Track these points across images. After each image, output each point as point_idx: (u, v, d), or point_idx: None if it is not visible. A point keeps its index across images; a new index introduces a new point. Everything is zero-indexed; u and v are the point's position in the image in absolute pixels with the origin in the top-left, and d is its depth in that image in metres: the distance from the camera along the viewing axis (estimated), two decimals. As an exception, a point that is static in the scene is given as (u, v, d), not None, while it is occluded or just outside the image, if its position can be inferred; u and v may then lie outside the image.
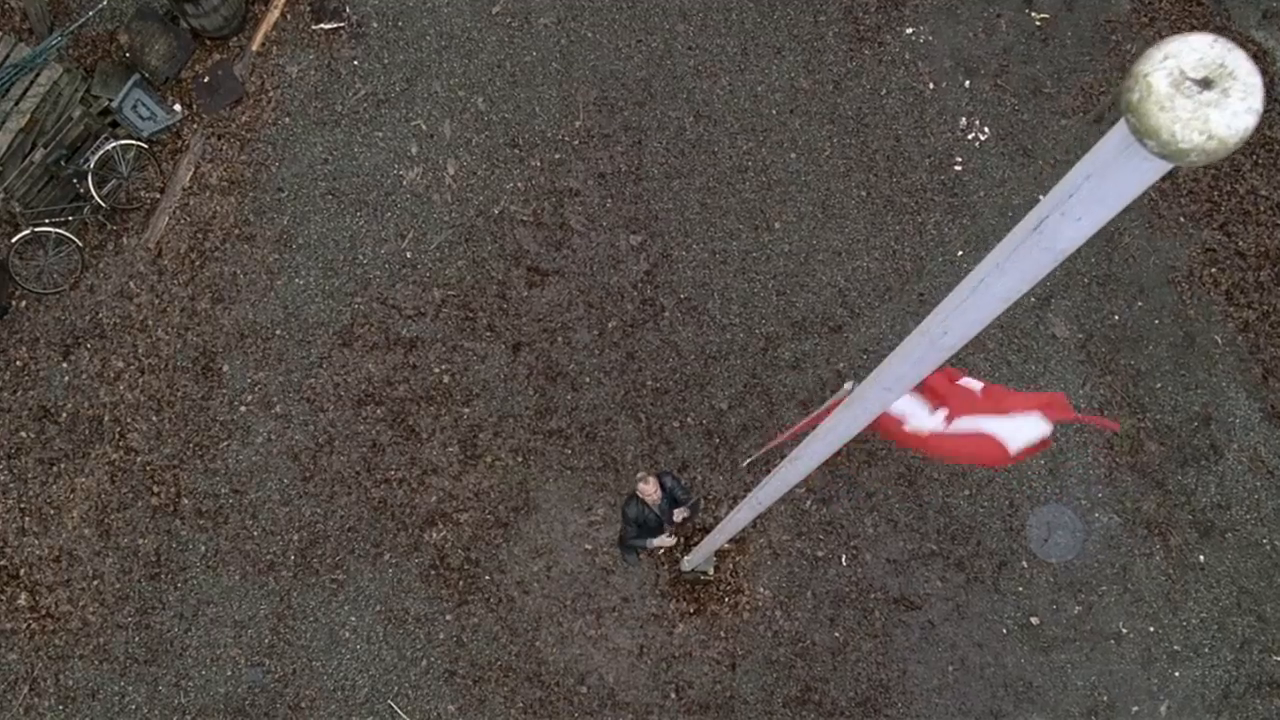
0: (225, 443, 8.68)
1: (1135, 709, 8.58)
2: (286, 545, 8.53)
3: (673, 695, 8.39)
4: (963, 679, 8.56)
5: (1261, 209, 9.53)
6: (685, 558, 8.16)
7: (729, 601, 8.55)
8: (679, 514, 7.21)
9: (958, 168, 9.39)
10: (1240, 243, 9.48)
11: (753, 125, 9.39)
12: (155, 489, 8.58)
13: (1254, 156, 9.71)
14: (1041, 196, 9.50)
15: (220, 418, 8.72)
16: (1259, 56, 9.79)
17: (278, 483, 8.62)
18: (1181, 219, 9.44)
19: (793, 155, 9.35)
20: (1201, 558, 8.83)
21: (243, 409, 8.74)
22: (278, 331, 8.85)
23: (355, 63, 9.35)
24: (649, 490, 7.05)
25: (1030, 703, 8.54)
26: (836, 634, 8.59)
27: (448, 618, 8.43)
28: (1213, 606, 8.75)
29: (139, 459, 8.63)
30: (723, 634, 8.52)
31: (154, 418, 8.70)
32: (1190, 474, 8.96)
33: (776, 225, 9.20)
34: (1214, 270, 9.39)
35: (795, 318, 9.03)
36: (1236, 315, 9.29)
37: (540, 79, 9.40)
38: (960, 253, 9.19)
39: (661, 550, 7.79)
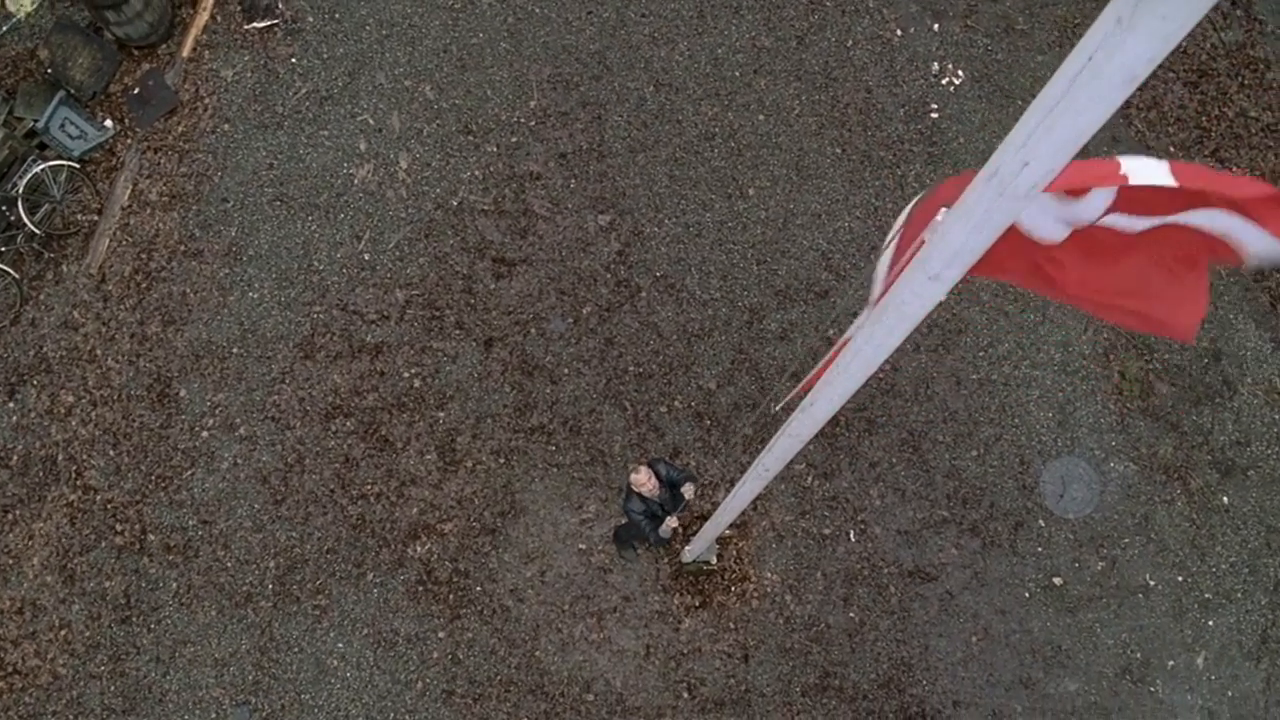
0: (189, 471, 8.18)
1: (1171, 663, 8.16)
2: (263, 574, 8.04)
3: (685, 695, 7.93)
4: (988, 649, 8.13)
5: (1253, 131, 9.13)
6: (686, 548, 7.70)
7: (735, 590, 8.10)
8: (689, 490, 6.74)
9: (934, 115, 8.95)
10: (1234, 168, 9.07)
11: (716, 90, 8.93)
12: (119, 527, 8.08)
13: (1239, 78, 9.31)
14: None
15: (182, 446, 8.22)
16: (1236, -27, 9.38)
17: (248, 509, 8.13)
18: (1171, 148, 9.03)
19: (761, 117, 8.90)
20: (1225, 499, 8.41)
21: (205, 434, 8.24)
22: (235, 349, 8.35)
23: (293, 60, 8.86)
24: (642, 480, 6.59)
25: (1061, 667, 8.11)
26: (851, 614, 8.14)
27: (440, 635, 7.96)
28: (1241, 549, 8.34)
29: (99, 497, 8.12)
30: (732, 625, 8.07)
31: (111, 452, 8.19)
32: (1205, 413, 8.55)
33: (750, 192, 8.75)
34: (1210, 199, 8.97)
35: (778, 286, 8.58)
36: (1238, 243, 8.87)
37: (489, 61, 8.92)
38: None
39: (670, 533, 7.27)
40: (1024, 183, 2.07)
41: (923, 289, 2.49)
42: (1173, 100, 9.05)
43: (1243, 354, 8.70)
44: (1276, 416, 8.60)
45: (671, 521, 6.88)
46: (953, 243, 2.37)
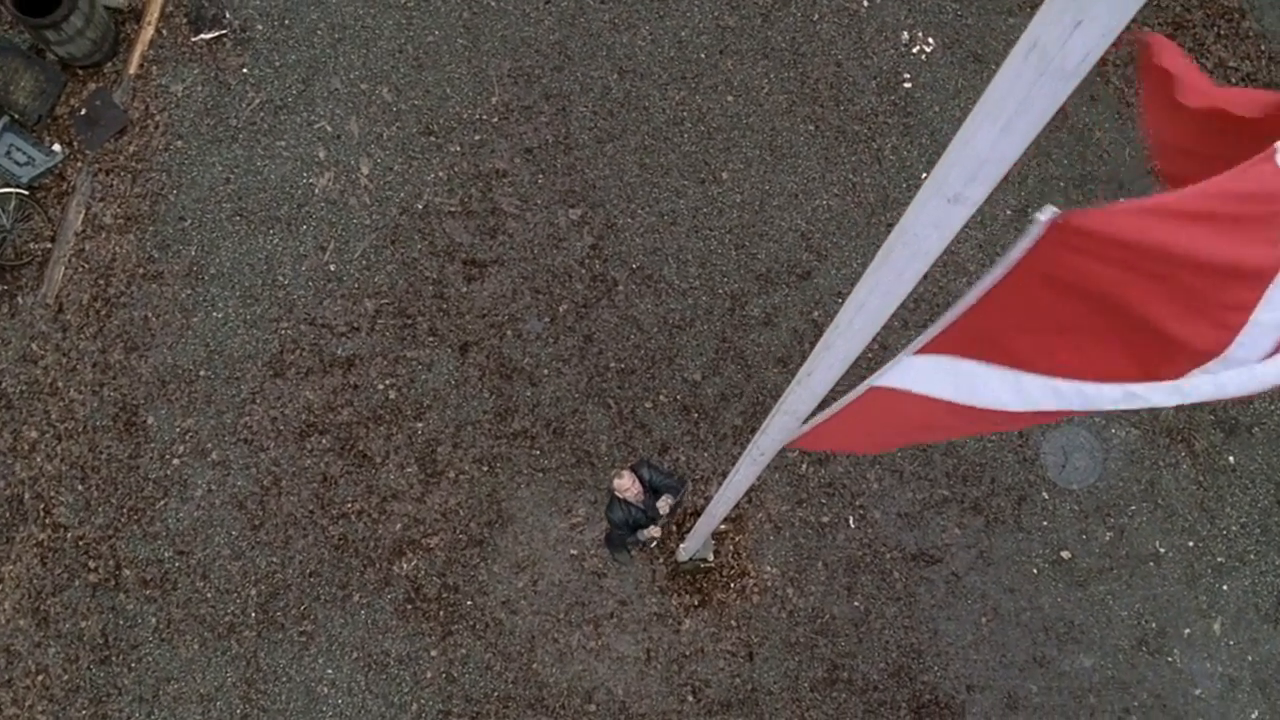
0: (162, 502, 7.88)
1: (1187, 631, 7.92)
2: (245, 602, 7.74)
3: (690, 698, 7.66)
4: (999, 629, 7.88)
5: (1233, 81, 8.90)
6: (681, 546, 7.44)
7: (735, 587, 7.83)
8: (664, 504, 6.48)
9: (907, 85, 8.71)
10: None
11: (682, 73, 8.67)
12: (92, 564, 7.77)
13: (1215, 29, 9.09)
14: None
15: (153, 475, 7.91)
16: (1205, -78, 9.17)
17: (225, 536, 7.83)
18: (1152, 104, 8.80)
19: (730, 99, 8.65)
20: (1231, 459, 8.18)
21: (176, 462, 7.94)
22: (201, 372, 8.06)
23: (245, 71, 8.57)
24: (625, 486, 6.33)
25: (1075, 643, 7.86)
26: (856, 603, 7.89)
27: (433, 653, 7.67)
28: (1251, 509, 8.11)
29: (69, 534, 7.82)
30: (734, 623, 7.80)
31: (79, 487, 7.89)
32: (1205, 372, 8.31)
33: (724, 175, 8.50)
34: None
35: (759, 270, 8.33)
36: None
37: (447, 58, 8.65)
38: (924, 175, 8.50)
39: (653, 542, 7.07)
40: (1074, 52, 1.62)
41: (941, 215, 2.06)
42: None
43: (1239, 309, 8.47)
44: (1277, 371, 8.36)
45: (654, 531, 6.64)
46: (978, 150, 1.87)
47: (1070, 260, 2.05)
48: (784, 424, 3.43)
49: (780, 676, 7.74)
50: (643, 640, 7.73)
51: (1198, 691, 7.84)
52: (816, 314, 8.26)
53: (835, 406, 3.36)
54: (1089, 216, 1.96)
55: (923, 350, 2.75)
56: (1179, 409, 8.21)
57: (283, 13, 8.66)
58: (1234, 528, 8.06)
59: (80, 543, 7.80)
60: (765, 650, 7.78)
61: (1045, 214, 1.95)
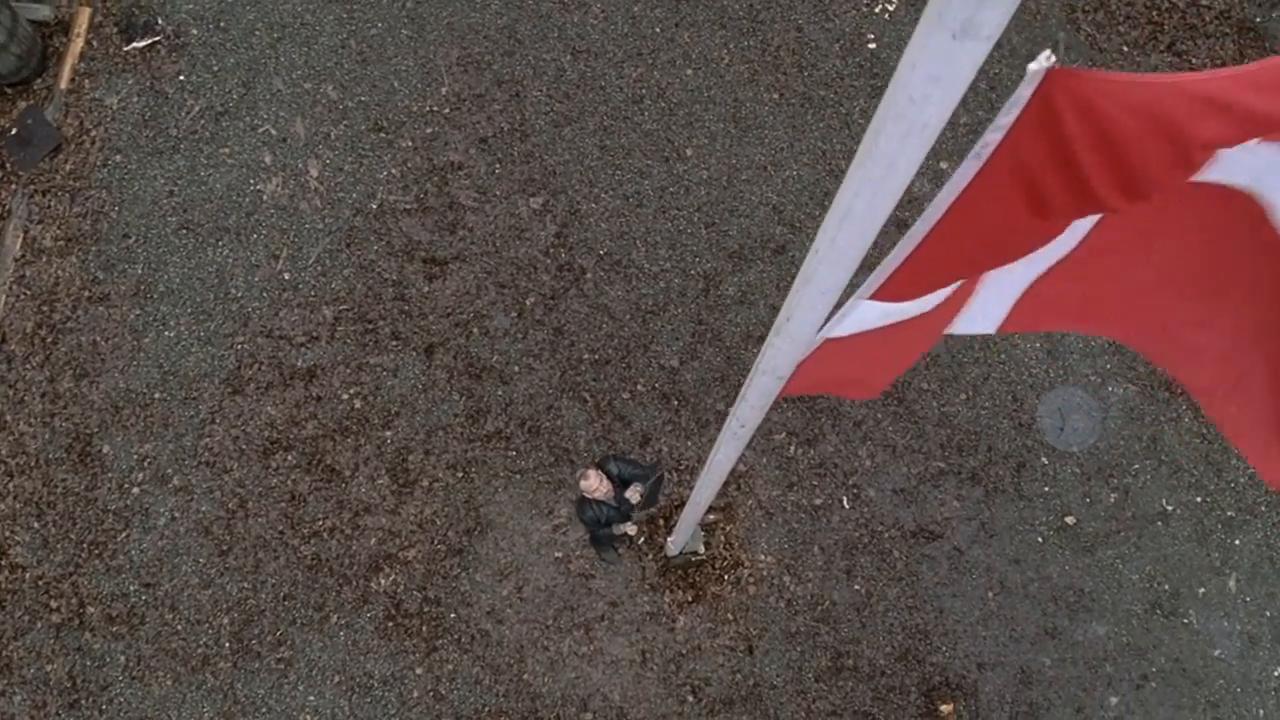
0: (123, 533, 7.51)
1: (1201, 590, 7.61)
2: (218, 632, 7.38)
3: (690, 698, 7.32)
4: (1006, 603, 7.56)
5: (1207, 20, 8.60)
6: (669, 540, 7.09)
7: (729, 578, 7.50)
8: (633, 493, 6.13)
9: (871, 46, 8.38)
10: (1193, 60, 8.54)
11: (638, 49, 8.33)
12: (53, 604, 7.39)
13: None
14: (944, 165, 8.52)
15: (112, 507, 7.54)
16: None
17: (193, 564, 7.46)
18: (1125, 48, 8.50)
19: (689, 72, 8.31)
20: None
21: (135, 490, 7.57)
22: (156, 395, 7.68)
23: (182, 78, 8.20)
24: (592, 486, 5.98)
25: (1086, 611, 7.55)
26: (857, 587, 7.56)
27: (418, 671, 7.32)
28: (1259, 459, 7.80)
29: (28, 574, 7.44)
30: (730, 616, 7.46)
31: (36, 524, 7.51)
32: (1200, 321, 8.01)
33: (688, 152, 8.16)
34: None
35: (731, 248, 7.99)
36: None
37: (392, 50, 8.29)
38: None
39: (628, 541, 6.75)
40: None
41: (943, 60, 1.54)
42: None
43: (1231, 254, 8.16)
44: (1275, 314, 8.07)
45: (627, 528, 6.30)
46: None
47: (1053, 128, 1.73)
48: (765, 387, 3.02)
49: (783, 669, 7.41)
50: (637, 641, 7.39)
51: (1217, 652, 7.53)
52: (794, 289, 7.93)
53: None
54: (1084, 76, 1.65)
55: (876, 297, 2.44)
56: (1176, 361, 7.91)
57: (217, 15, 8.30)
58: (1242, 480, 7.75)
59: (40, 582, 7.42)
60: (765, 642, 7.44)
61: (1042, 60, 1.61)
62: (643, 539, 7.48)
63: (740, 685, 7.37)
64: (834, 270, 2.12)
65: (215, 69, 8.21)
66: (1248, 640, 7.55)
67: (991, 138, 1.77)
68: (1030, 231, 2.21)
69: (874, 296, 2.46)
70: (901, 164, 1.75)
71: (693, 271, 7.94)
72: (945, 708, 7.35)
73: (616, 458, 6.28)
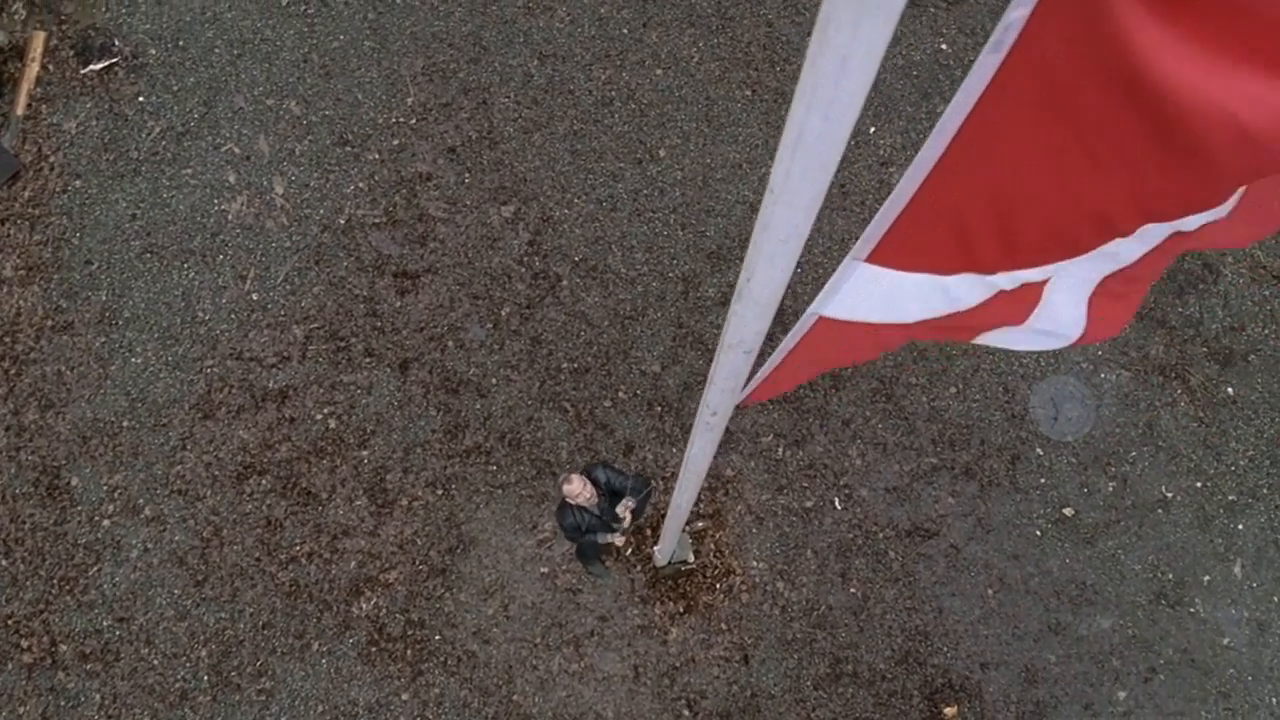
0: (95, 567, 7.28)
1: (1206, 578, 7.41)
2: (196, 665, 7.14)
3: (686, 712, 7.09)
4: (1007, 600, 7.35)
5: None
6: (656, 549, 6.88)
7: (721, 587, 7.28)
8: (623, 508, 5.92)
9: (844, 37, 8.23)
10: None
11: (605, 51, 8.18)
12: (24, 643, 7.15)
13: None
14: (945, 46, 8.38)
15: (82, 540, 7.31)
16: None
17: (168, 596, 7.23)
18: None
19: (659, 72, 8.15)
20: (1230, 390, 7.70)
21: (106, 523, 7.34)
22: (125, 423, 7.47)
23: (141, 99, 8.03)
24: (575, 491, 5.77)
25: (1090, 604, 7.34)
26: (852, 590, 7.34)
27: (404, 697, 7.08)
28: (1258, 440, 7.62)
29: (-3, 614, 7.20)
30: (724, 626, 7.24)
31: (4, 561, 7.28)
32: (1191, 302, 7.84)
33: (661, 153, 7.99)
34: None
35: (709, 249, 7.81)
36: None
37: (355, 63, 8.13)
38: (873, 129, 8.03)
39: (615, 552, 6.53)
40: None
41: None
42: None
43: (1218, 233, 8.00)
44: (1266, 293, 7.91)
45: (614, 538, 6.07)
46: None
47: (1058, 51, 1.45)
48: (733, 365, 2.71)
49: (780, 677, 7.19)
50: (628, 656, 7.16)
51: (1226, 641, 7.32)
52: (775, 287, 7.75)
53: (787, 341, 2.82)
54: None
55: (876, 259, 2.22)
56: (1169, 344, 7.74)
57: (176, 34, 8.13)
58: (1242, 462, 7.56)
59: (9, 621, 7.18)
60: (761, 651, 7.22)
61: None
62: (630, 550, 7.27)
63: (737, 697, 7.15)
64: (792, 211, 1.85)
65: (175, 89, 8.04)
66: (1257, 627, 7.34)
67: (1018, 13, 1.44)
68: (1103, 166, 1.62)
69: (873, 258, 2.20)
70: (857, 56, 1.45)
71: (671, 274, 7.76)
72: (949, 710, 7.13)
73: (606, 466, 6.08)
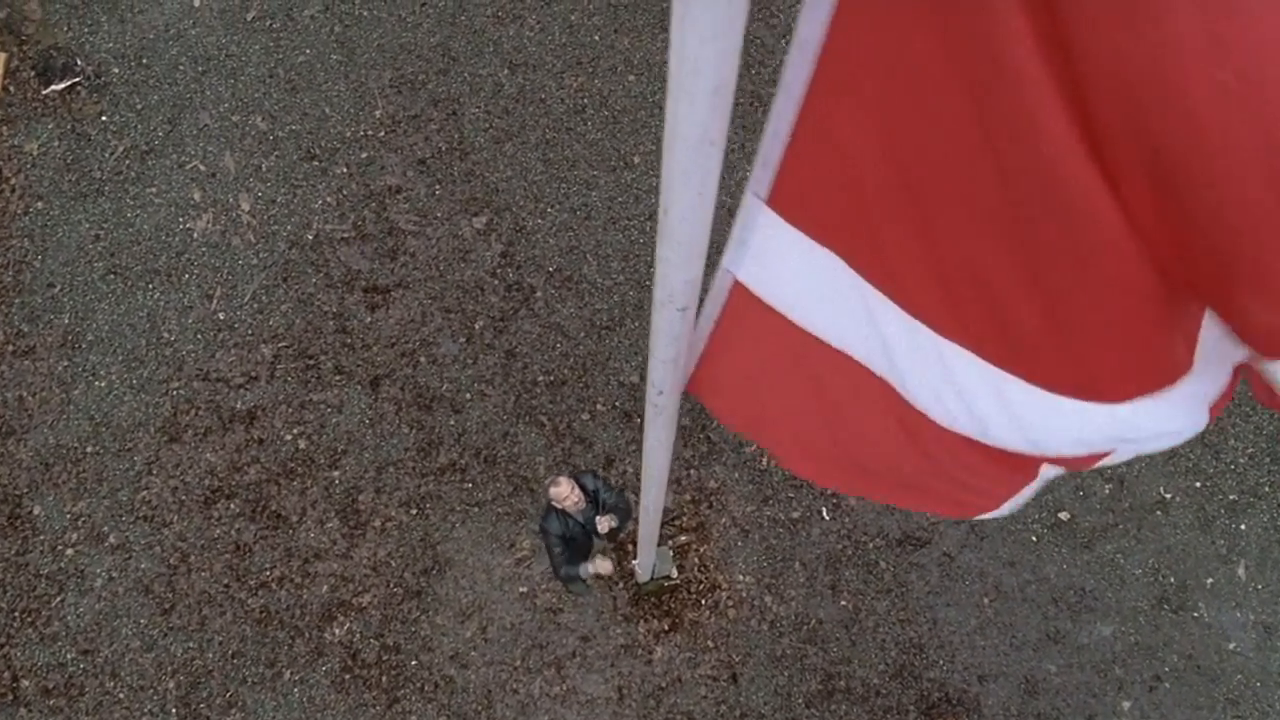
0: (58, 598, 7.03)
1: (1209, 581, 7.16)
2: (163, 698, 6.87)
3: (673, 734, 6.82)
4: (1004, 609, 7.09)
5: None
6: (635, 564, 6.63)
7: (707, 603, 7.03)
8: (603, 523, 5.67)
9: (818, 38, 8.09)
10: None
11: (577, 58, 8.03)
12: (-15, 680, 6.89)
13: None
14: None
15: (44, 570, 7.07)
16: None
17: (134, 626, 6.97)
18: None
19: (631, 79, 8.00)
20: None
21: (69, 552, 7.10)
22: (89, 449, 7.25)
23: (104, 119, 7.87)
24: (564, 494, 5.53)
25: (1090, 611, 7.08)
26: (843, 602, 7.09)
27: (379, 725, 6.81)
28: (1257, 437, 7.39)
29: (-43, 650, 6.95)
30: (711, 644, 6.98)
31: (-36, 595, 7.03)
32: (1182, 297, 7.64)
33: (636, 160, 7.82)
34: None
35: (686, 254, 7.62)
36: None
37: (322, 77, 7.98)
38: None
39: (599, 581, 6.26)
40: None
41: None
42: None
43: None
44: (1260, 286, 7.70)
45: (602, 568, 5.68)
46: None
47: None
48: (669, 327, 2.33)
49: (770, 695, 6.91)
50: (612, 677, 6.90)
51: (1232, 645, 7.05)
52: (755, 292, 7.55)
53: (710, 306, 2.43)
54: None
55: (777, 205, 1.91)
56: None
57: (139, 52, 7.99)
58: (1242, 460, 7.33)
59: (-31, 658, 6.93)
60: (750, 669, 6.95)
61: None
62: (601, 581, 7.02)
63: (726, 717, 6.87)
64: (694, 106, 1.52)
65: (139, 107, 7.89)
66: (1263, 630, 7.08)
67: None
68: None
69: (774, 202, 1.90)
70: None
71: (648, 282, 7.57)
72: (947, 726, 6.86)
73: (593, 474, 5.84)
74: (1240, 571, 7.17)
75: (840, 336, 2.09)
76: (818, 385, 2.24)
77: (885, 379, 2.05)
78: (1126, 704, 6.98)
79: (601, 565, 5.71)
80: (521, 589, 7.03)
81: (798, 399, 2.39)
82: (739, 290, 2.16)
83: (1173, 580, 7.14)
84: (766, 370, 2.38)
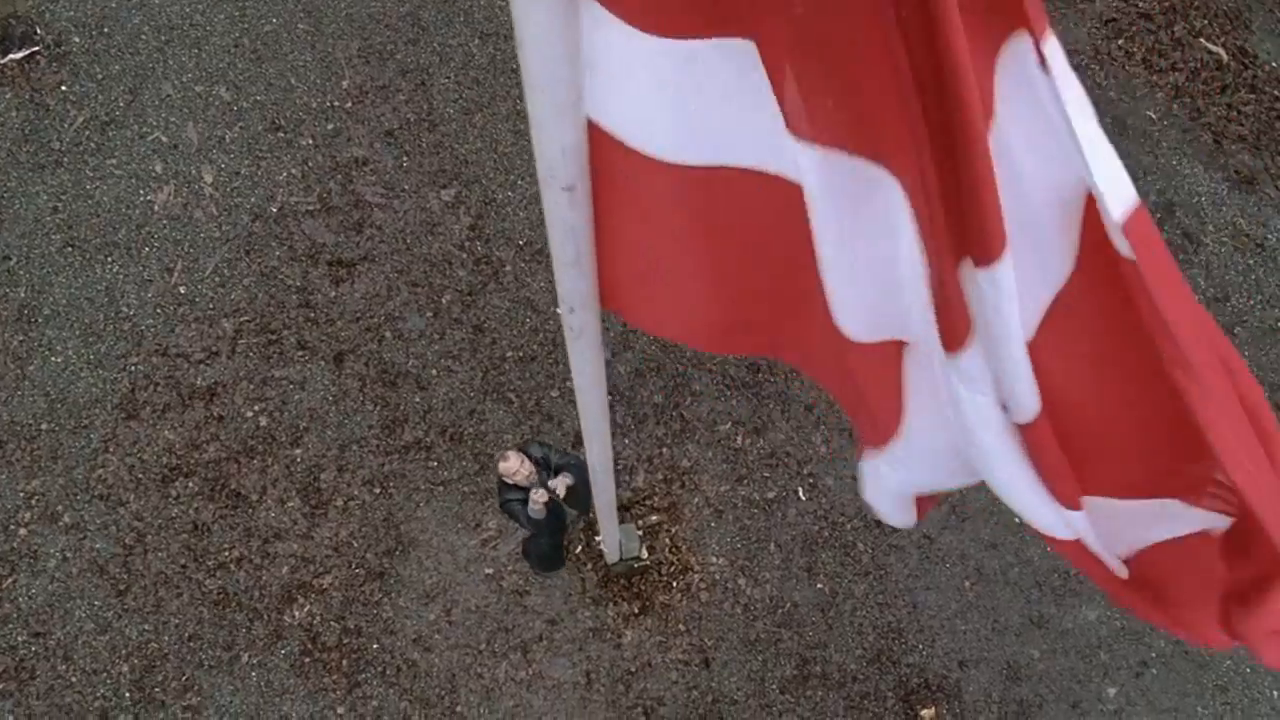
0: (10, 579, 6.82)
1: (1197, 565, 6.93)
2: (117, 681, 6.66)
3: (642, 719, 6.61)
4: (985, 592, 6.88)
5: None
6: (599, 542, 6.43)
7: (678, 585, 6.82)
8: (559, 484, 5.47)
9: (798, 8, 7.89)
10: (1140, 3, 8.07)
11: (550, 28, 7.82)
12: (-67, 662, 6.68)
13: None
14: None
15: (-3, 551, 6.86)
16: None
17: (87, 608, 6.76)
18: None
19: (605, 48, 7.79)
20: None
21: (22, 532, 6.89)
22: (44, 426, 7.04)
23: (64, 88, 7.66)
24: (513, 467, 5.34)
25: (1073, 595, 6.87)
26: (820, 585, 6.88)
27: (340, 710, 6.60)
28: (1247, 417, 7.17)
29: (-95, 632, 6.74)
30: (682, 627, 6.77)
31: (-87, 575, 6.83)
32: (1171, 273, 7.43)
33: (609, 131, 7.61)
34: (1122, 42, 7.96)
35: (660, 228, 7.41)
36: (1163, 82, 7.84)
37: (288, 46, 7.77)
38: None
39: (540, 510, 5.82)
40: None
41: None
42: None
43: (1197, 201, 7.61)
44: (1250, 262, 7.50)
45: (537, 496, 5.36)
46: None
47: None
48: (559, 216, 1.97)
49: (744, 681, 6.70)
50: (580, 662, 6.68)
51: (1220, 631, 6.83)
52: (731, 267, 7.34)
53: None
54: None
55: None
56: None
57: (100, 20, 7.78)
58: (1231, 440, 7.12)
59: (-83, 640, 6.72)
60: (723, 653, 6.74)
61: None
62: (579, 548, 6.81)
63: (698, 703, 6.66)
64: (544, 60, 1.32)
65: (100, 77, 7.68)
66: (1253, 615, 6.86)
67: None
68: None
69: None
70: None
71: (620, 256, 7.36)
72: (926, 712, 6.64)
73: (539, 443, 5.65)
74: (1229, 554, 6.96)
75: (715, 150, 1.81)
76: (706, 228, 2.00)
77: (782, 176, 1.79)
78: (1112, 690, 6.77)
79: (535, 496, 5.36)
80: (487, 570, 6.82)
81: (688, 258, 2.14)
82: (597, 135, 1.80)
83: (1159, 563, 6.93)
84: (653, 238, 2.11)
